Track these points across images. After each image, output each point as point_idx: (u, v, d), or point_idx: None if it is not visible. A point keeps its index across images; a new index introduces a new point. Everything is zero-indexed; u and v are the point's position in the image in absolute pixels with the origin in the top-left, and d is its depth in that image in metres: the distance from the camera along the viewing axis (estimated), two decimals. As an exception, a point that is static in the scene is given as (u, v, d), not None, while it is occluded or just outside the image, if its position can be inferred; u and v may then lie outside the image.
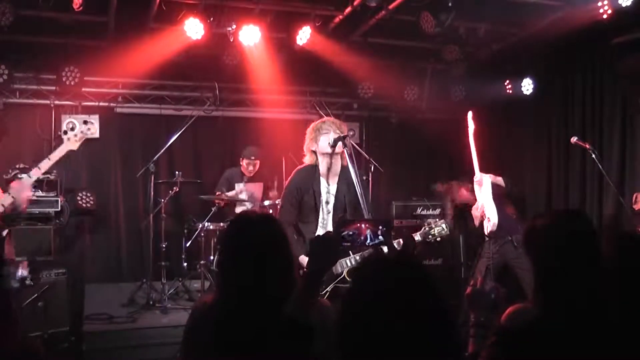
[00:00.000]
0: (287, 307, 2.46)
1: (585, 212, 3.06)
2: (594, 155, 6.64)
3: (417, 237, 5.31)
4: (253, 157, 9.00)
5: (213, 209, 8.51)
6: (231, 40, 7.87)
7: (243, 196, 9.01)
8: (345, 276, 4.82)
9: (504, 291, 2.95)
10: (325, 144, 5.41)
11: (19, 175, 5.34)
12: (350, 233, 2.60)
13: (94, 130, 5.32)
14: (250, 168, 9.01)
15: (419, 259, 2.21)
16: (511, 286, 6.56)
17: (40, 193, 8.34)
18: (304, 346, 2.39)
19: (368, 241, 2.62)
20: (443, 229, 5.29)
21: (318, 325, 2.45)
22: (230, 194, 8.85)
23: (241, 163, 9.10)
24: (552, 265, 2.73)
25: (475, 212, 7.01)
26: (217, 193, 8.78)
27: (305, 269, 2.55)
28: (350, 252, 4.95)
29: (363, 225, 2.65)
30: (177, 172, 8.49)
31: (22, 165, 8.53)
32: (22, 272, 5.28)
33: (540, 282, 2.77)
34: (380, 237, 2.63)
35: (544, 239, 2.81)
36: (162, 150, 8.46)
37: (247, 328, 2.62)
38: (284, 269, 2.73)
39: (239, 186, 8.97)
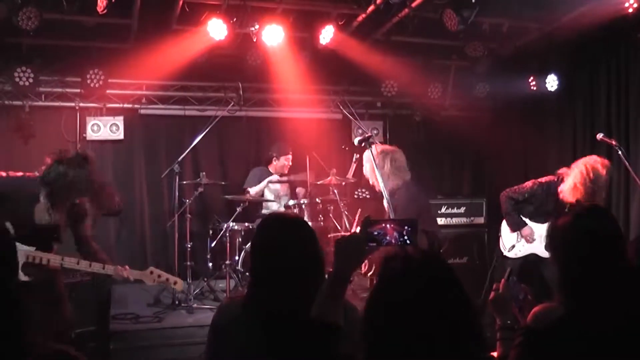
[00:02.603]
0: (314, 308, 2.47)
1: (607, 209, 3.02)
2: (620, 152, 6.56)
3: None
4: (290, 150, 9.09)
5: (238, 209, 8.53)
6: (254, 40, 7.89)
7: (270, 196, 9.05)
8: None
9: (532, 293, 2.95)
10: None
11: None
12: (376, 233, 2.59)
13: (179, 287, 5.27)
14: (289, 164, 9.12)
15: (444, 258, 2.20)
16: (537, 285, 6.54)
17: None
18: (331, 346, 2.39)
19: (394, 241, 2.61)
20: None
21: (345, 325, 2.45)
22: (256, 188, 8.89)
23: (276, 161, 9.12)
24: (575, 264, 2.71)
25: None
26: (246, 189, 8.84)
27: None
28: None
29: (389, 226, 2.63)
30: (201, 173, 8.52)
31: (47, 168, 8.60)
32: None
33: (564, 281, 2.75)
34: (406, 237, 2.61)
35: (566, 237, 2.79)
36: (186, 151, 8.50)
37: (276, 328, 2.64)
38: (314, 271, 2.81)
39: (263, 182, 9.01)
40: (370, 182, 6.36)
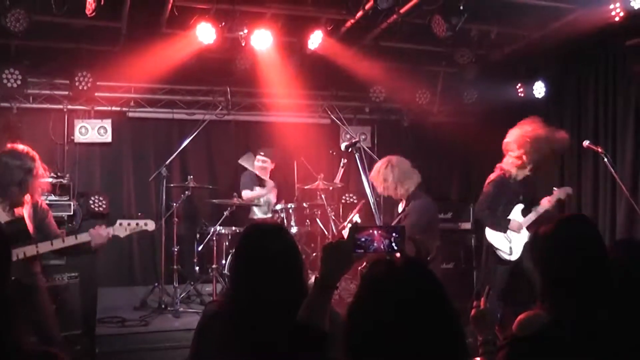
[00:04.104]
0: (301, 313, 2.48)
1: (588, 217, 3.06)
2: (606, 159, 6.60)
3: None
4: (262, 153, 9.05)
5: (225, 213, 8.53)
6: (243, 44, 7.88)
7: (259, 201, 9.07)
8: None
9: (508, 309, 2.99)
10: None
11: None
12: (363, 239, 2.60)
13: (151, 227, 5.55)
14: (265, 165, 9.05)
15: (427, 265, 2.22)
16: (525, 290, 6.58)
17: (53, 197, 8.38)
18: (317, 352, 2.40)
19: (381, 248, 2.62)
20: None
21: (330, 331, 2.46)
22: (252, 194, 8.91)
23: (255, 163, 9.12)
24: (557, 271, 2.74)
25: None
26: (242, 196, 8.87)
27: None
28: None
29: (376, 232, 2.64)
30: (189, 176, 8.52)
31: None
32: None
33: (547, 288, 2.78)
34: (394, 244, 2.63)
35: (548, 245, 2.82)
36: (174, 155, 8.49)
37: (259, 332, 2.66)
38: (294, 276, 2.90)
39: (257, 190, 9.02)
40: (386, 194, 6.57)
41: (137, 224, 5.38)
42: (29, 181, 5.12)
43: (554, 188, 7.05)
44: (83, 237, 5.17)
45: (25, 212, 5.14)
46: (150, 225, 5.49)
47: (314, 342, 2.42)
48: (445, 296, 1.98)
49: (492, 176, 7.06)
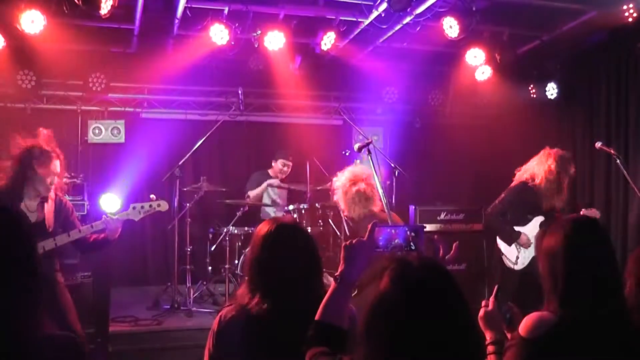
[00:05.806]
0: (320, 311, 2.50)
1: (595, 221, 3.04)
2: (618, 161, 6.56)
3: None
4: (291, 158, 9.11)
5: (238, 213, 8.56)
6: (256, 45, 7.91)
7: (268, 201, 9.10)
8: None
9: (517, 311, 2.99)
10: None
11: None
12: (382, 238, 2.62)
13: (164, 207, 5.61)
14: (285, 169, 9.17)
15: (443, 264, 2.24)
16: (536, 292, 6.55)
17: (66, 197, 8.39)
18: (337, 349, 2.42)
19: (399, 247, 2.64)
20: None
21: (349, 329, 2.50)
22: (256, 190, 8.97)
23: (274, 164, 9.19)
24: (563, 273, 2.74)
25: None
26: (247, 195, 8.92)
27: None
28: None
29: (394, 231, 2.67)
30: (202, 177, 8.55)
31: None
32: None
33: (554, 289, 2.78)
34: (411, 243, 2.65)
35: (556, 246, 2.82)
36: (187, 155, 8.52)
37: (284, 333, 2.69)
38: (316, 274, 2.98)
39: (272, 189, 9.10)
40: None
41: (150, 206, 5.44)
42: (39, 175, 5.17)
43: (582, 209, 6.97)
44: (99, 225, 5.25)
45: (47, 208, 5.19)
46: (163, 206, 5.54)
47: (333, 340, 2.44)
48: (460, 295, 2.00)
49: (513, 184, 6.89)
